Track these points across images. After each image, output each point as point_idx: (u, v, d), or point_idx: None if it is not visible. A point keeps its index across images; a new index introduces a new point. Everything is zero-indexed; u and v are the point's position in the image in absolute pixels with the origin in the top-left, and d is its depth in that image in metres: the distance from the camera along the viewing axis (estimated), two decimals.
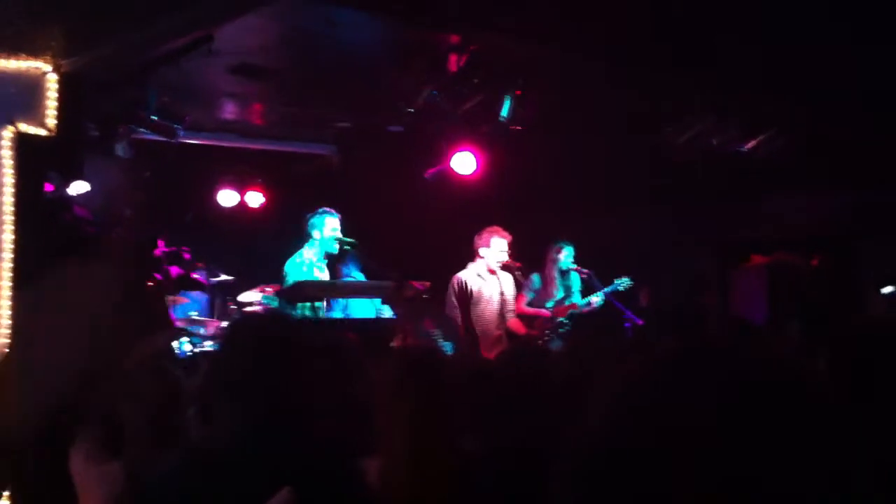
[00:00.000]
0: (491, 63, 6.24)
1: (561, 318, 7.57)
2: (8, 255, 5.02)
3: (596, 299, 7.67)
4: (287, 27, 5.90)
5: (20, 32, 5.05)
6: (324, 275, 6.52)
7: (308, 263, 6.45)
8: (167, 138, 7.07)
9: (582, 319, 7.65)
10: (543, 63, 6.44)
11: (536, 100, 6.70)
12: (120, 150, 6.91)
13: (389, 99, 7.06)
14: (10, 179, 5.10)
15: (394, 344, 5.87)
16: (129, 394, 2.94)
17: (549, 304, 7.66)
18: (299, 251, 6.53)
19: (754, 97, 6.90)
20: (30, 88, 5.19)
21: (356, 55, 6.39)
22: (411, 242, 8.22)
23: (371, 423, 2.56)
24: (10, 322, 4.96)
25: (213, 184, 9.54)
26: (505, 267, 7.03)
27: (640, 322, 7.48)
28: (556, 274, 7.73)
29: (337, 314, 6.59)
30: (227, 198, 9.56)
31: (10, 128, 5.13)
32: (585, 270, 7.73)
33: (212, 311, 8.51)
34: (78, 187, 6.22)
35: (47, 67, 5.22)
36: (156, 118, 6.76)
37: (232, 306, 8.01)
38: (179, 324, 7.50)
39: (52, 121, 5.23)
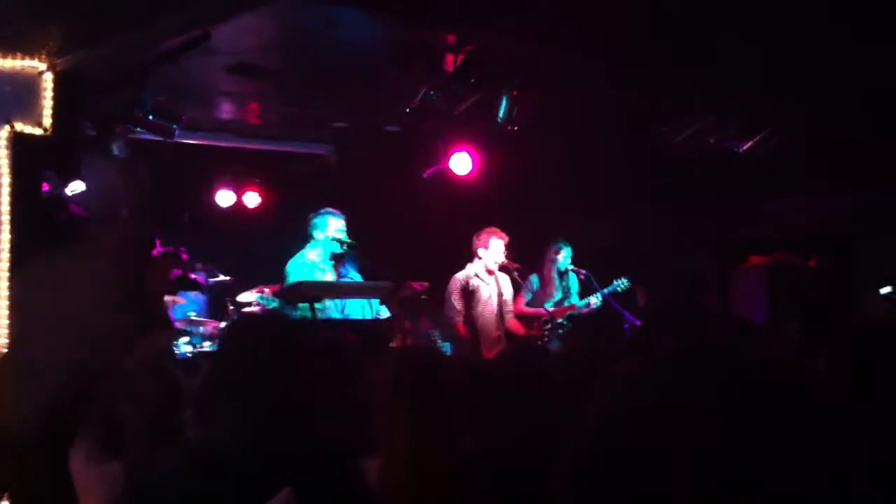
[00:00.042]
0: (488, 63, 6.24)
1: (560, 319, 7.58)
2: (5, 255, 5.02)
3: (594, 300, 7.67)
4: (285, 27, 5.90)
5: (17, 32, 5.06)
6: (329, 276, 6.50)
7: (311, 264, 6.43)
8: (164, 138, 7.06)
9: (580, 320, 7.65)
10: (542, 63, 6.44)
11: (535, 99, 6.70)
12: (116, 149, 6.90)
13: (387, 99, 7.06)
14: (6, 179, 5.10)
15: (393, 344, 5.87)
16: (129, 394, 2.94)
17: (548, 305, 7.67)
18: (301, 252, 6.51)
19: (754, 97, 6.90)
20: (26, 87, 5.19)
21: (354, 55, 6.38)
22: (409, 243, 8.22)
23: (370, 423, 2.56)
24: (8, 321, 4.96)
25: (211, 184, 9.55)
26: (503, 268, 7.04)
27: (638, 322, 7.49)
28: (554, 274, 7.74)
29: (334, 314, 6.58)
30: (224, 198, 9.56)
31: (7, 127, 5.13)
32: (583, 271, 7.74)
33: (210, 312, 8.50)
34: (74, 187, 6.21)
35: (43, 66, 5.22)
36: (152, 118, 6.75)
37: (230, 307, 8.01)
38: (178, 324, 7.49)
39: (48, 120, 5.23)
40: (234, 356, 2.35)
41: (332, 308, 6.43)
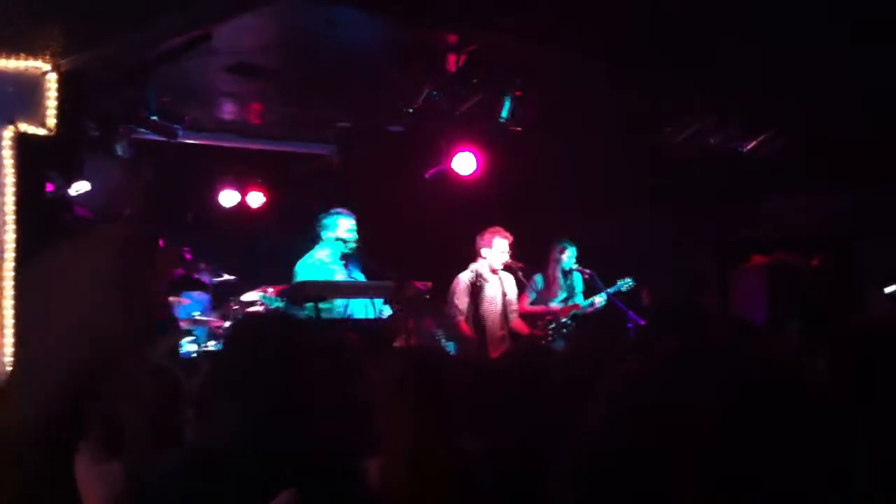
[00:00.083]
0: (490, 63, 6.24)
1: (564, 319, 7.57)
2: (10, 255, 5.02)
3: (599, 300, 7.67)
4: (285, 27, 5.90)
5: (20, 32, 5.06)
6: (339, 276, 6.49)
7: (320, 264, 6.42)
8: (167, 138, 7.07)
9: (585, 320, 7.65)
10: (543, 63, 6.44)
11: (536, 100, 6.70)
12: (120, 149, 6.91)
13: (389, 99, 7.06)
14: (10, 179, 5.11)
15: (397, 344, 5.87)
16: (129, 394, 2.94)
17: (553, 305, 7.67)
18: (311, 252, 6.50)
19: (754, 97, 6.90)
20: (30, 88, 5.19)
21: (356, 55, 6.38)
22: (412, 242, 8.22)
23: (371, 423, 2.56)
24: (13, 322, 4.97)
25: (214, 184, 9.54)
26: (507, 267, 7.03)
27: (643, 322, 7.48)
28: (558, 274, 7.73)
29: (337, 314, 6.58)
30: (227, 198, 9.56)
31: (11, 127, 5.14)
32: (587, 271, 7.73)
33: (214, 312, 8.51)
34: (78, 187, 6.22)
35: (47, 67, 5.22)
36: (156, 118, 6.76)
37: (234, 306, 8.01)
38: (182, 324, 7.50)
39: (52, 120, 5.24)
40: (236, 356, 2.35)
41: (336, 308, 6.43)
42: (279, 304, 7.04)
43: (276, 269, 6.89)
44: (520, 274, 7.13)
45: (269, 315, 5.76)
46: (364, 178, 8.66)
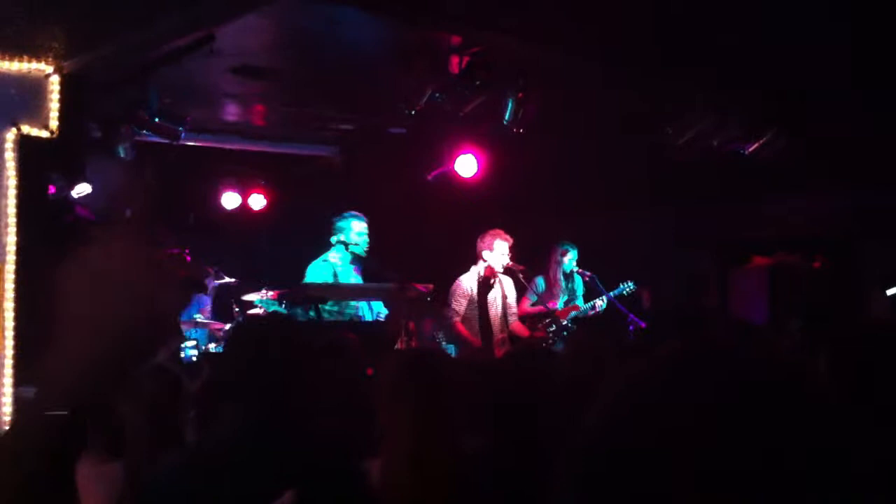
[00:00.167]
0: (492, 65, 6.24)
1: (564, 321, 7.57)
2: (11, 258, 5.03)
3: (599, 303, 7.66)
4: (288, 28, 5.90)
5: (22, 34, 5.07)
6: (352, 279, 6.51)
7: (332, 266, 6.44)
8: (169, 140, 7.08)
9: (585, 322, 7.64)
10: (545, 64, 6.44)
11: (538, 101, 6.70)
12: (122, 151, 6.92)
13: (391, 101, 7.06)
14: (12, 181, 5.11)
15: (398, 346, 5.87)
16: (129, 394, 2.95)
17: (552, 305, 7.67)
18: (324, 254, 6.51)
19: (754, 97, 6.90)
20: (32, 90, 5.20)
21: (358, 56, 6.39)
22: (414, 244, 8.22)
23: (372, 423, 2.56)
24: (14, 324, 4.97)
25: (216, 186, 9.55)
26: (508, 270, 7.01)
27: (643, 324, 7.48)
28: (560, 276, 7.72)
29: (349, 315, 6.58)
30: (229, 200, 9.57)
31: (13, 129, 5.14)
32: (588, 273, 7.73)
33: (216, 314, 8.52)
34: (80, 189, 6.23)
35: (49, 69, 5.23)
36: (158, 120, 6.77)
37: (236, 308, 8.02)
38: (184, 326, 7.51)
39: (54, 122, 5.24)
40: (237, 357, 2.36)
41: (349, 309, 6.44)
42: (277, 307, 7.05)
43: (277, 271, 6.89)
44: (521, 276, 7.11)
45: (270, 317, 5.77)
46: (366, 179, 8.66)
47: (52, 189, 5.55)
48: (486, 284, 6.48)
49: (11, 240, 5.03)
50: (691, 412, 0.83)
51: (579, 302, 7.78)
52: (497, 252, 6.93)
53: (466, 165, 7.88)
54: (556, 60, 6.31)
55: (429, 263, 7.14)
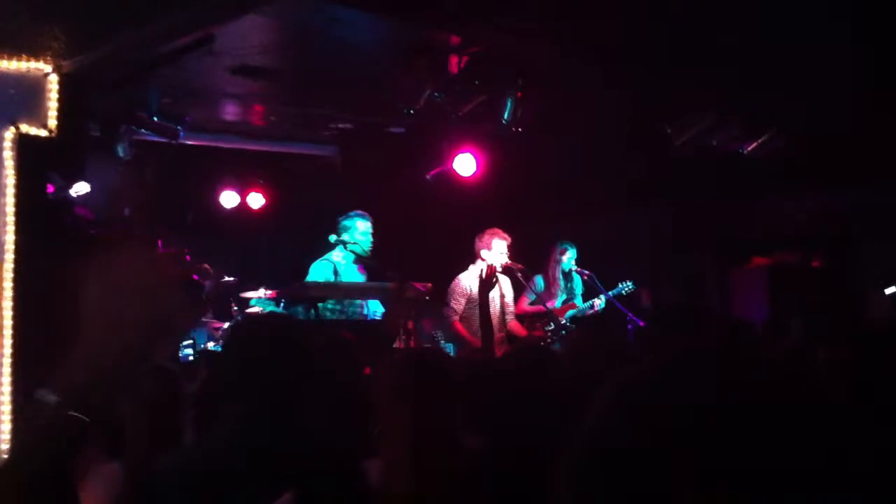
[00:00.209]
0: (492, 64, 6.24)
1: (563, 320, 7.57)
2: (10, 256, 5.03)
3: (598, 302, 7.66)
4: (288, 27, 5.90)
5: (21, 33, 5.07)
6: (357, 277, 6.51)
7: (336, 265, 6.44)
8: (168, 139, 7.08)
9: (584, 321, 7.64)
10: (544, 63, 6.44)
11: (537, 101, 6.70)
12: (121, 150, 6.92)
13: (391, 100, 7.06)
14: (11, 180, 5.11)
15: (396, 345, 5.87)
16: (129, 394, 2.95)
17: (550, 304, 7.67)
18: (328, 254, 6.52)
19: (754, 96, 6.90)
20: (31, 89, 5.20)
21: (358, 56, 6.38)
22: (412, 243, 8.22)
23: (372, 423, 2.56)
24: (12, 323, 4.97)
25: (215, 185, 9.55)
26: (506, 269, 7.01)
27: (642, 323, 7.48)
28: (559, 275, 7.72)
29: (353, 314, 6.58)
30: (228, 199, 9.57)
31: (12, 129, 5.14)
32: (586, 272, 7.73)
33: (214, 313, 8.52)
34: (79, 188, 6.21)
35: (48, 68, 5.23)
36: (157, 119, 6.77)
37: (234, 308, 8.02)
38: None
39: (53, 122, 5.24)
40: (236, 356, 2.36)
41: (353, 308, 6.44)
42: (273, 307, 7.05)
43: (275, 270, 6.89)
44: (519, 275, 7.11)
45: (269, 316, 5.77)
46: (365, 179, 8.67)
47: (50, 188, 5.54)
48: (487, 283, 6.47)
49: (10, 238, 5.03)
50: (691, 412, 0.83)
51: (578, 301, 7.78)
52: (495, 251, 6.93)
53: (465, 165, 7.88)
54: (556, 60, 6.31)
55: (428, 262, 7.13)
